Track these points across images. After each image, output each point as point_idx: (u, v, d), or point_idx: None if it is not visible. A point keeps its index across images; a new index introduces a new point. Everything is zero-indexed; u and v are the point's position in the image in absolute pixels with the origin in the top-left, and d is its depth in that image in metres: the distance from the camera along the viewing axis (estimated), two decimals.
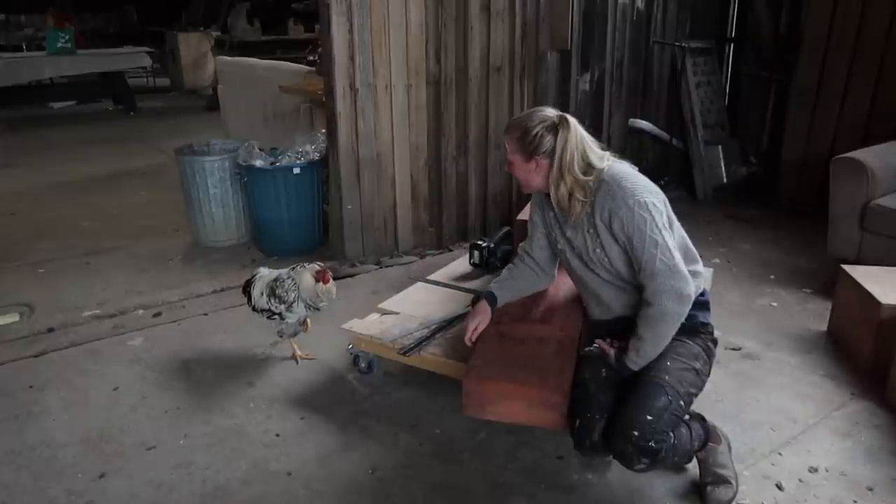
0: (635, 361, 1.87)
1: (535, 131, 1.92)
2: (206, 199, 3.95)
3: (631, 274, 1.93)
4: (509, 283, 2.27)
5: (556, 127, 1.92)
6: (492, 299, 2.23)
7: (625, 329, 1.93)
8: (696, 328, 1.96)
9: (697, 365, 1.90)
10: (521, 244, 2.40)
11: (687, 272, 1.83)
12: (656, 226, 1.83)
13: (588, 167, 1.92)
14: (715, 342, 2.02)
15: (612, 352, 1.92)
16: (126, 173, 5.86)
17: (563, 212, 2.00)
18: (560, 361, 2.04)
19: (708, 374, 1.97)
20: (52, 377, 2.70)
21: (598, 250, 1.94)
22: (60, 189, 5.41)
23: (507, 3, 3.89)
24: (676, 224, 1.96)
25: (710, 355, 1.98)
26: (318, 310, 2.68)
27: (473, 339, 2.17)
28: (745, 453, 2.18)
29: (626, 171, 1.94)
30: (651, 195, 1.88)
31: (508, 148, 2.00)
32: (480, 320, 2.18)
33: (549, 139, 1.92)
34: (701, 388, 1.93)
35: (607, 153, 1.98)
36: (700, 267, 1.99)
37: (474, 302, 2.30)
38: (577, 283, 2.15)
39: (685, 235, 1.99)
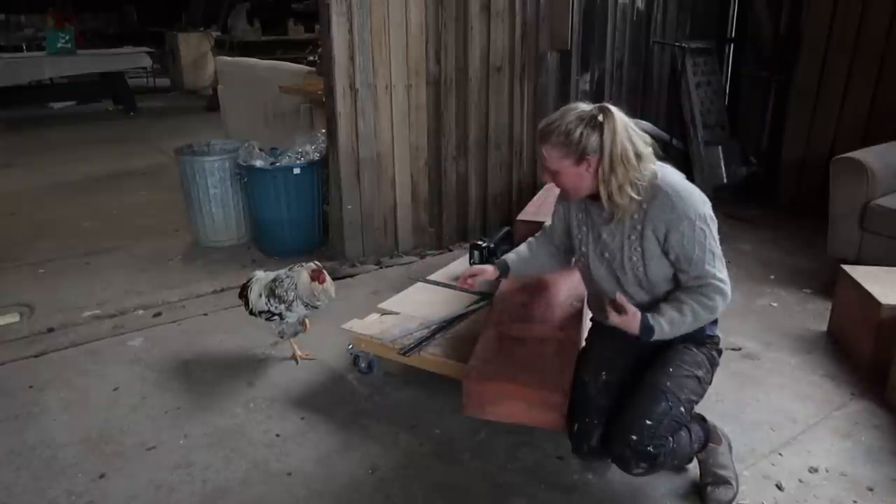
0: (663, 329, 1.82)
1: (578, 131, 1.79)
2: (206, 199, 3.95)
3: (659, 286, 1.90)
4: (525, 255, 2.22)
5: (597, 119, 1.80)
6: (503, 268, 2.19)
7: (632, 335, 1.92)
8: (702, 339, 1.95)
9: (700, 373, 1.89)
10: (544, 225, 2.34)
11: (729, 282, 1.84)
12: (713, 237, 1.82)
13: (637, 156, 1.82)
14: (719, 352, 2.01)
15: (636, 312, 1.83)
16: (126, 173, 5.86)
17: (612, 206, 1.85)
18: (560, 361, 2.04)
19: (709, 383, 1.95)
20: (52, 377, 2.70)
21: (634, 258, 1.88)
22: (60, 189, 5.41)
23: (507, 3, 3.89)
24: None
25: (713, 364, 1.97)
26: (317, 308, 2.68)
27: (466, 283, 2.20)
28: (745, 453, 2.18)
29: (680, 179, 1.87)
30: (706, 205, 1.84)
31: (550, 157, 1.84)
32: (482, 271, 2.17)
33: (594, 135, 1.79)
34: (701, 396, 1.92)
35: (647, 136, 1.87)
36: None
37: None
38: (593, 287, 2.09)
39: None
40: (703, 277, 1.82)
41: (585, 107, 1.85)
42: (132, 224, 4.53)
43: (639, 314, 1.83)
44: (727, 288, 1.83)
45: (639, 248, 1.87)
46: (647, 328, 1.82)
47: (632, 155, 1.80)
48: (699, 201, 1.83)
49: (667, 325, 1.83)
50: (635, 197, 1.82)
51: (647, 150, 1.83)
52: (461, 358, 2.26)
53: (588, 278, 2.09)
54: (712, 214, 1.85)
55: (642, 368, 1.92)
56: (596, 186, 1.85)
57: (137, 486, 2.09)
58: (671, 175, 1.87)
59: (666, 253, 1.85)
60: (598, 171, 1.82)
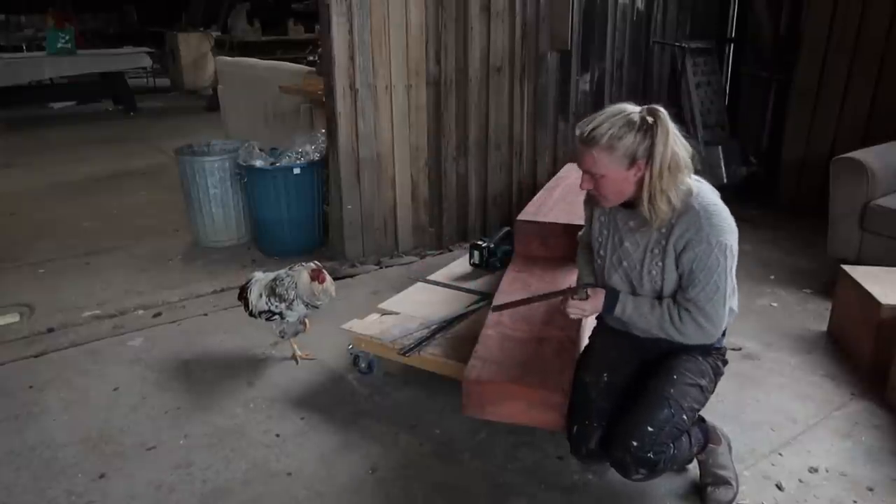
0: (622, 313, 1.87)
1: (631, 135, 1.73)
2: (206, 199, 3.95)
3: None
4: (590, 268, 2.10)
5: (646, 123, 1.74)
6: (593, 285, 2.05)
7: (636, 339, 1.94)
8: (708, 349, 1.95)
9: (703, 382, 1.88)
10: (578, 235, 2.26)
11: (723, 326, 1.85)
12: (726, 272, 1.79)
13: (684, 163, 1.77)
14: (725, 363, 2.00)
15: (599, 291, 1.89)
16: (126, 173, 5.86)
17: (652, 210, 1.79)
18: (560, 361, 2.04)
19: (712, 392, 1.95)
20: (52, 377, 2.70)
21: (654, 272, 1.86)
22: (60, 189, 5.41)
23: (507, 3, 3.89)
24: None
25: (717, 374, 1.96)
26: (317, 308, 2.68)
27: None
28: (745, 453, 2.18)
29: (716, 202, 1.83)
30: (733, 236, 1.82)
31: (598, 161, 1.76)
32: (594, 306, 1.93)
33: (646, 140, 1.73)
34: (703, 405, 1.91)
35: (688, 145, 1.83)
36: (735, 302, 1.93)
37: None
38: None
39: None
40: (692, 301, 1.81)
41: (632, 108, 1.78)
42: (132, 224, 4.53)
43: (602, 292, 1.89)
44: (709, 328, 1.82)
45: (660, 263, 1.84)
46: (611, 301, 1.87)
47: (680, 160, 1.76)
48: (727, 230, 1.80)
49: (631, 308, 1.87)
50: (674, 203, 1.78)
51: (689, 161, 1.80)
52: (461, 358, 2.26)
53: (602, 280, 2.04)
54: (735, 247, 1.81)
55: (645, 373, 1.92)
56: (635, 192, 1.80)
57: (137, 486, 2.09)
58: (707, 195, 1.83)
59: (676, 267, 1.83)
60: (644, 175, 1.76)
